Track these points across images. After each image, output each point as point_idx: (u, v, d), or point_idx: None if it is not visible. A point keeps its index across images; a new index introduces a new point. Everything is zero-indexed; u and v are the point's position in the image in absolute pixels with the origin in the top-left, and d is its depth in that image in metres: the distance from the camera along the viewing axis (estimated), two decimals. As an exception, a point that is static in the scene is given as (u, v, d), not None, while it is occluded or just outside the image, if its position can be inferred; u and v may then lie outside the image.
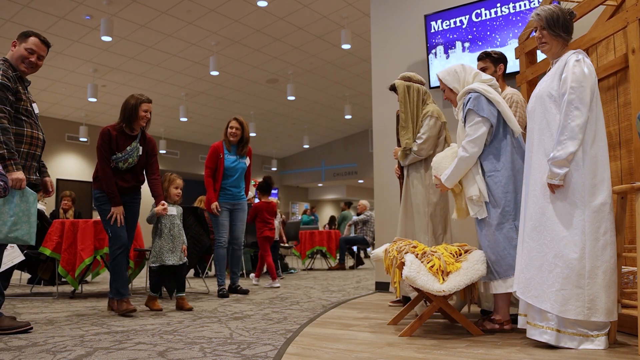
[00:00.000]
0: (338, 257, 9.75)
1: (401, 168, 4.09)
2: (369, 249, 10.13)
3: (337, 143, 20.45)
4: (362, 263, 10.44)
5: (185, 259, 4.24)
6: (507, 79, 4.41)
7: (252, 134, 16.07)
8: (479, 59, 3.69)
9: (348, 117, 15.83)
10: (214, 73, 11.44)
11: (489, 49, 3.69)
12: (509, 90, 3.60)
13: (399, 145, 4.06)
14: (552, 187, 2.50)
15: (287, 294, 5.28)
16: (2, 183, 2.44)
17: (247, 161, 5.32)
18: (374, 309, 4.01)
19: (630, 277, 2.82)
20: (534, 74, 3.69)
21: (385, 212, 5.29)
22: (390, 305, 4.18)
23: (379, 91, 5.49)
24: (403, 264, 2.85)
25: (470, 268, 2.81)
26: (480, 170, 2.97)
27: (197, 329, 3.23)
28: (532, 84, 3.75)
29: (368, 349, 2.57)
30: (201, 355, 2.51)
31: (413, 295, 3.49)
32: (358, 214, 9.99)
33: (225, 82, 13.20)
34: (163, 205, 4.08)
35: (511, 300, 2.98)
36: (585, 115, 2.45)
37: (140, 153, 4.09)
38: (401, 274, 2.85)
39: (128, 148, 3.97)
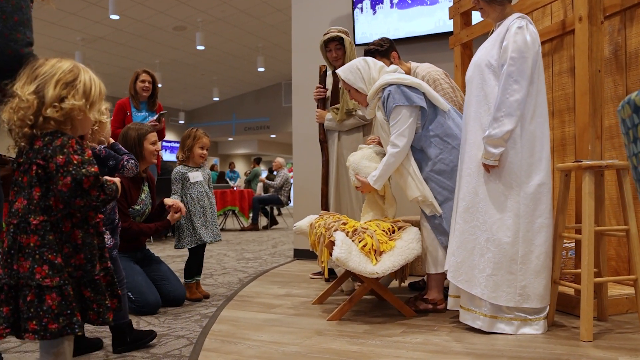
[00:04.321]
0: (251, 217, 9.44)
1: (324, 132, 3.75)
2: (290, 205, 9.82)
3: (248, 96, 19.75)
4: (276, 223, 10.21)
5: (220, 236, 3.46)
6: (440, 38, 4.21)
7: (158, 85, 15.04)
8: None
9: (261, 69, 15.19)
10: (114, 17, 10.38)
11: (371, 46, 3.24)
12: (422, 67, 3.24)
13: (321, 107, 3.73)
14: (487, 167, 2.30)
15: (200, 263, 4.91)
16: (132, 161, 2.31)
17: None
18: (295, 283, 3.77)
19: (563, 253, 2.75)
20: (469, 37, 3.47)
21: (304, 169, 5.00)
22: (312, 277, 3.96)
23: (299, 44, 5.08)
24: (332, 242, 2.59)
25: (405, 247, 2.61)
26: (414, 168, 2.69)
27: (97, 317, 2.82)
28: (466, 47, 3.55)
29: (295, 339, 2.31)
30: (103, 357, 2.13)
31: (339, 271, 3.27)
32: (270, 170, 9.65)
33: (127, 28, 12.08)
34: (177, 211, 3.11)
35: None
36: (524, 89, 2.23)
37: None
38: (330, 253, 2.59)
39: (143, 196, 3.09)
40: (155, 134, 3.06)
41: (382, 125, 2.77)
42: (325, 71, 3.72)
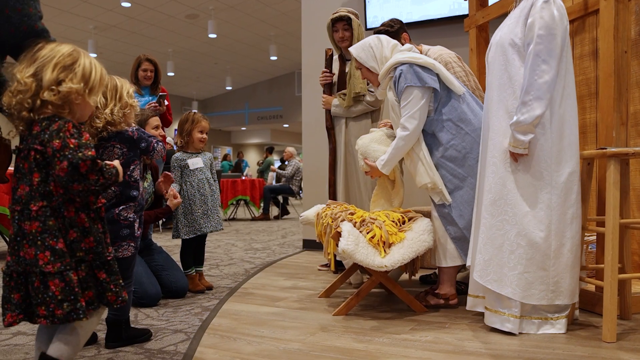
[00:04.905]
0: (262, 207, 9.35)
1: (331, 119, 3.60)
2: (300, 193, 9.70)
3: (261, 85, 19.62)
4: (287, 213, 10.10)
5: (222, 225, 3.29)
6: (454, 22, 4.04)
7: (171, 74, 14.98)
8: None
9: (273, 58, 15.04)
10: (126, 4, 10.33)
11: (381, 27, 3.11)
12: (434, 49, 3.10)
13: (328, 93, 3.58)
14: (515, 156, 2.13)
15: (207, 253, 4.81)
16: (161, 143, 2.23)
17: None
18: (302, 275, 3.65)
19: (583, 246, 2.59)
20: (485, 19, 3.30)
21: (314, 158, 4.86)
22: (319, 269, 3.84)
23: (309, 30, 4.93)
24: (339, 233, 2.46)
25: (415, 239, 2.47)
26: (424, 153, 2.55)
27: (95, 309, 2.73)
28: (482, 30, 3.38)
29: (298, 336, 2.19)
30: (95, 352, 2.04)
31: (347, 263, 3.14)
32: (281, 160, 9.54)
33: (139, 16, 11.99)
34: (175, 197, 2.93)
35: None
36: (554, 69, 2.05)
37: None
38: (336, 244, 2.47)
39: (145, 184, 2.91)
40: (157, 118, 2.92)
41: (393, 107, 2.63)
42: (332, 55, 3.56)
